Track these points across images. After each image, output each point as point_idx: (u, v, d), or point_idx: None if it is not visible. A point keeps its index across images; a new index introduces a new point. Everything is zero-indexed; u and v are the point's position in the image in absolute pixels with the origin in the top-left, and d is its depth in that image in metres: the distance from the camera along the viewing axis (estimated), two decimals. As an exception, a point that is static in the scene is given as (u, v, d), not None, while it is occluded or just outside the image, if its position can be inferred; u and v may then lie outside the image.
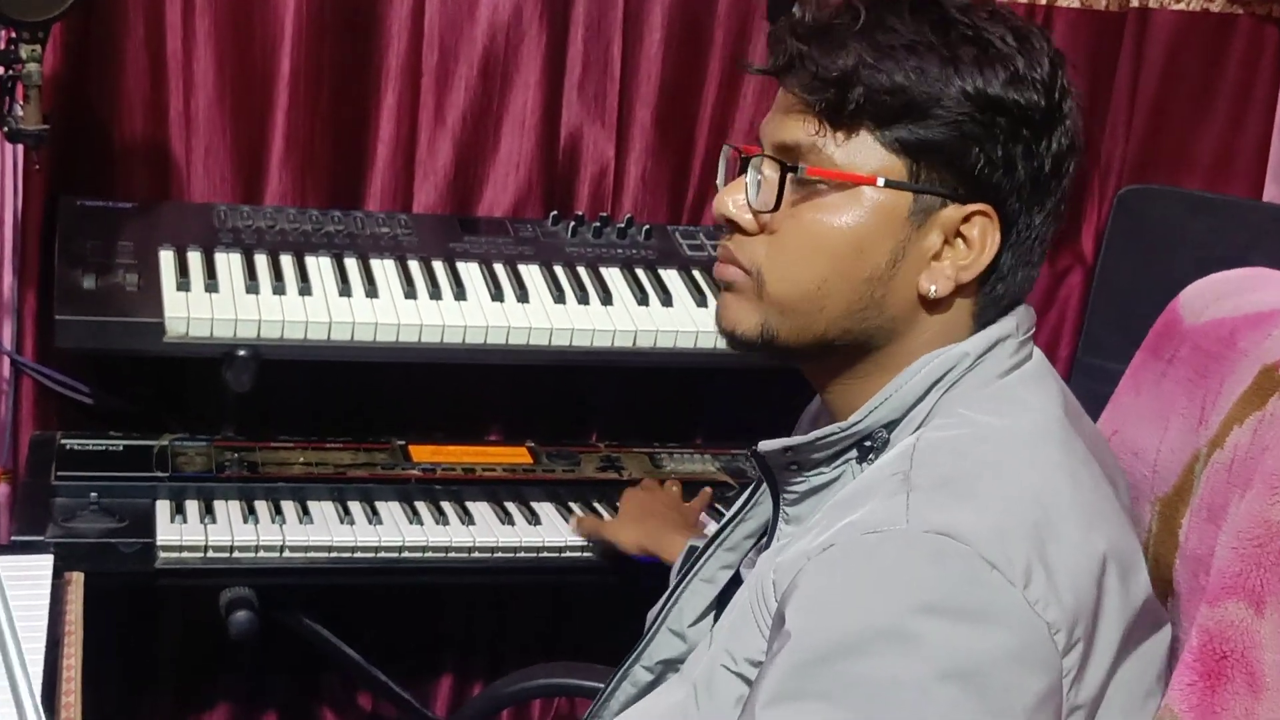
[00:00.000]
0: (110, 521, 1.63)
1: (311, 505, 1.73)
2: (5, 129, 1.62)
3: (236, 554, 1.64)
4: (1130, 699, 1.00)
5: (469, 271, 1.87)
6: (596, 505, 1.83)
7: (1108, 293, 2.22)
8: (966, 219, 1.02)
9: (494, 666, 2.16)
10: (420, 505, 1.77)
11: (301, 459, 1.82)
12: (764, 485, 1.18)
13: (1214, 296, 1.20)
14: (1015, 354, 1.05)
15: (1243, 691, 0.97)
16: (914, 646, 0.88)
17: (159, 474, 1.73)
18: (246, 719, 2.11)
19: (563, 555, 1.75)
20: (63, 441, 1.79)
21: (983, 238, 1.02)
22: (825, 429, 1.04)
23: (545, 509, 1.81)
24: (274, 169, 1.92)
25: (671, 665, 1.22)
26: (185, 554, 1.63)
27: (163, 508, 1.69)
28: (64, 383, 1.85)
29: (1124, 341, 2.15)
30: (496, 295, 1.83)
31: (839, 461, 1.05)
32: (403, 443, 1.89)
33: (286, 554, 1.66)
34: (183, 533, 1.64)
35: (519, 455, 1.92)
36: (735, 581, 1.20)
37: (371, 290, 1.79)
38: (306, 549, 1.67)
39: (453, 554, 1.71)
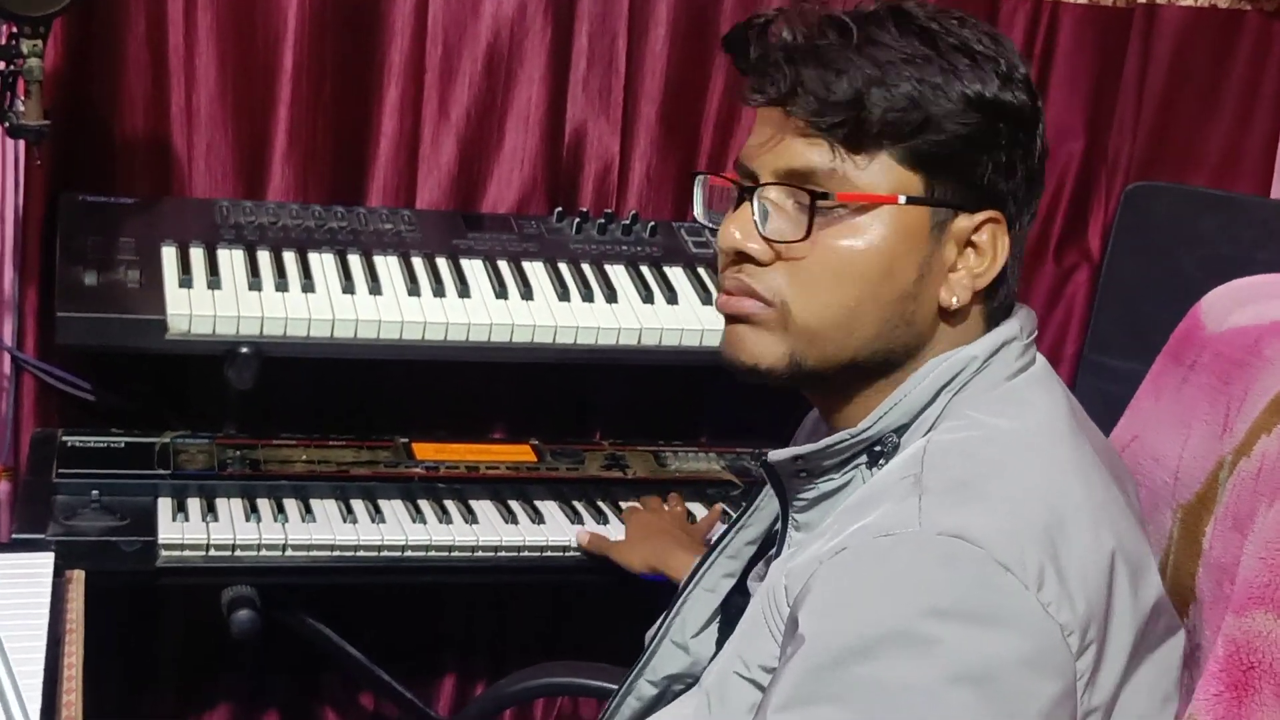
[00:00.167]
0: (111, 519, 1.62)
1: (314, 503, 1.73)
2: (6, 124, 1.61)
3: (238, 552, 1.64)
4: (1148, 704, 1.00)
5: (473, 268, 1.86)
6: (600, 504, 1.82)
7: (1114, 290, 2.22)
8: (977, 227, 1.03)
9: (497, 666, 2.15)
10: (423, 504, 1.76)
11: (304, 457, 1.81)
12: (765, 490, 1.18)
13: (1236, 303, 1.20)
14: (1021, 356, 1.05)
15: (1270, 703, 0.96)
16: (927, 650, 0.88)
17: (161, 472, 1.73)
18: (248, 718, 2.10)
19: (566, 555, 1.74)
20: (64, 439, 1.78)
21: (993, 244, 1.03)
22: (836, 436, 1.04)
23: (549, 508, 1.80)
24: (276, 165, 1.92)
25: (676, 678, 1.22)
26: (187, 552, 1.62)
27: (164, 506, 1.68)
28: (65, 380, 1.85)
29: (1131, 339, 2.15)
30: (500, 292, 1.82)
31: (849, 467, 1.04)
32: (406, 441, 1.89)
33: (289, 552, 1.65)
34: (184, 531, 1.63)
35: (523, 453, 1.92)
36: (737, 590, 1.20)
37: (375, 287, 1.78)
38: (309, 547, 1.66)
39: (456, 553, 1.71)
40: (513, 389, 2.06)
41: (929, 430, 1.01)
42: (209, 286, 1.72)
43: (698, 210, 1.13)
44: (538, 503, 1.81)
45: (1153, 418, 1.22)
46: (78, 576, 1.41)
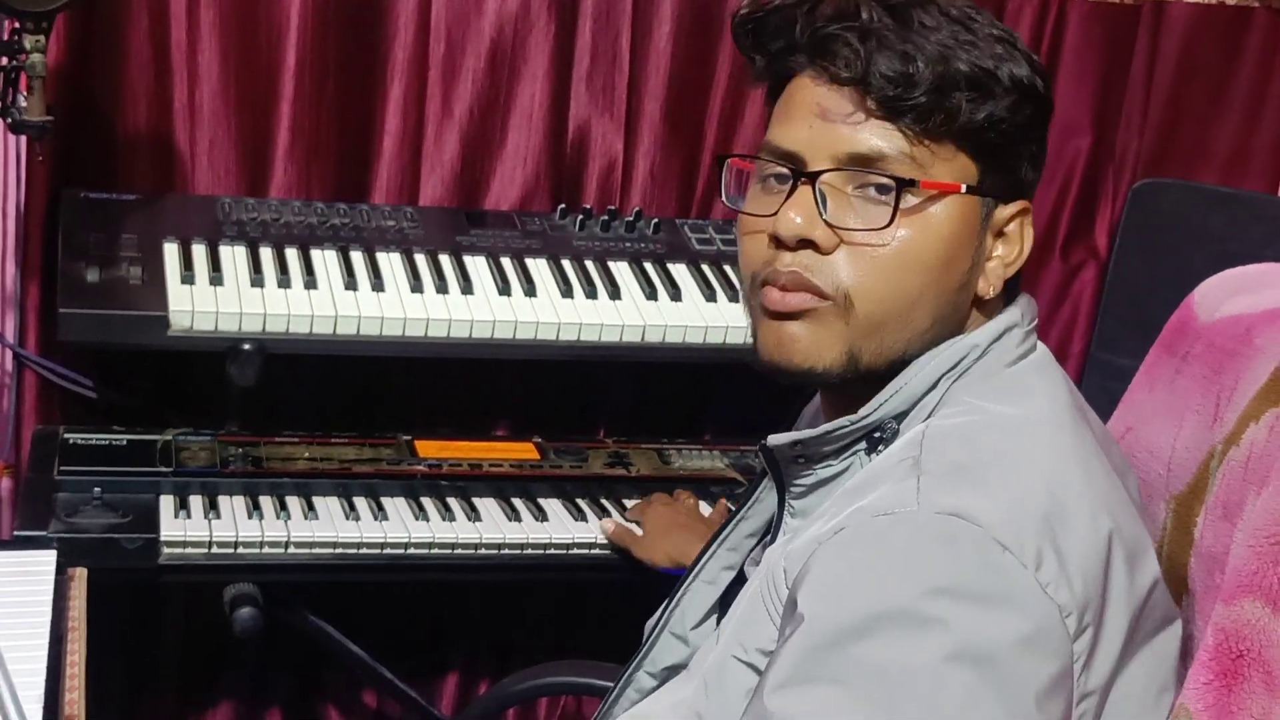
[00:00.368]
0: (113, 517, 1.62)
1: (316, 501, 1.72)
2: (9, 120, 1.61)
3: (241, 550, 1.63)
4: (1144, 694, 1.00)
5: (476, 265, 1.86)
6: (604, 502, 1.81)
7: (1121, 288, 2.21)
8: (1010, 218, 1.04)
9: (500, 664, 2.15)
10: (426, 501, 1.76)
11: (306, 454, 1.81)
12: (765, 482, 1.17)
13: (1228, 293, 1.20)
14: (1022, 344, 1.05)
15: (1259, 690, 0.96)
16: (925, 629, 0.88)
17: (163, 469, 1.72)
18: (250, 716, 2.10)
19: (570, 552, 1.73)
20: (66, 436, 1.78)
21: (1021, 233, 1.05)
22: (836, 422, 1.03)
23: (552, 505, 1.80)
24: (279, 161, 1.91)
25: (675, 671, 1.22)
26: (189, 550, 1.62)
27: (166, 503, 1.68)
28: (67, 376, 1.84)
29: (1138, 337, 2.13)
30: (503, 289, 1.81)
31: (847, 454, 1.04)
32: (409, 438, 1.88)
33: (291, 550, 1.65)
34: (186, 528, 1.63)
35: (526, 451, 1.91)
36: (737, 582, 1.20)
37: (377, 284, 1.77)
38: (311, 545, 1.65)
39: (459, 551, 1.70)
40: (516, 386, 2.05)
41: (928, 416, 1.01)
42: (211, 283, 1.72)
43: (726, 196, 1.09)
44: (541, 500, 1.80)
45: (1146, 409, 1.22)
46: (80, 574, 1.41)
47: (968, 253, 1.02)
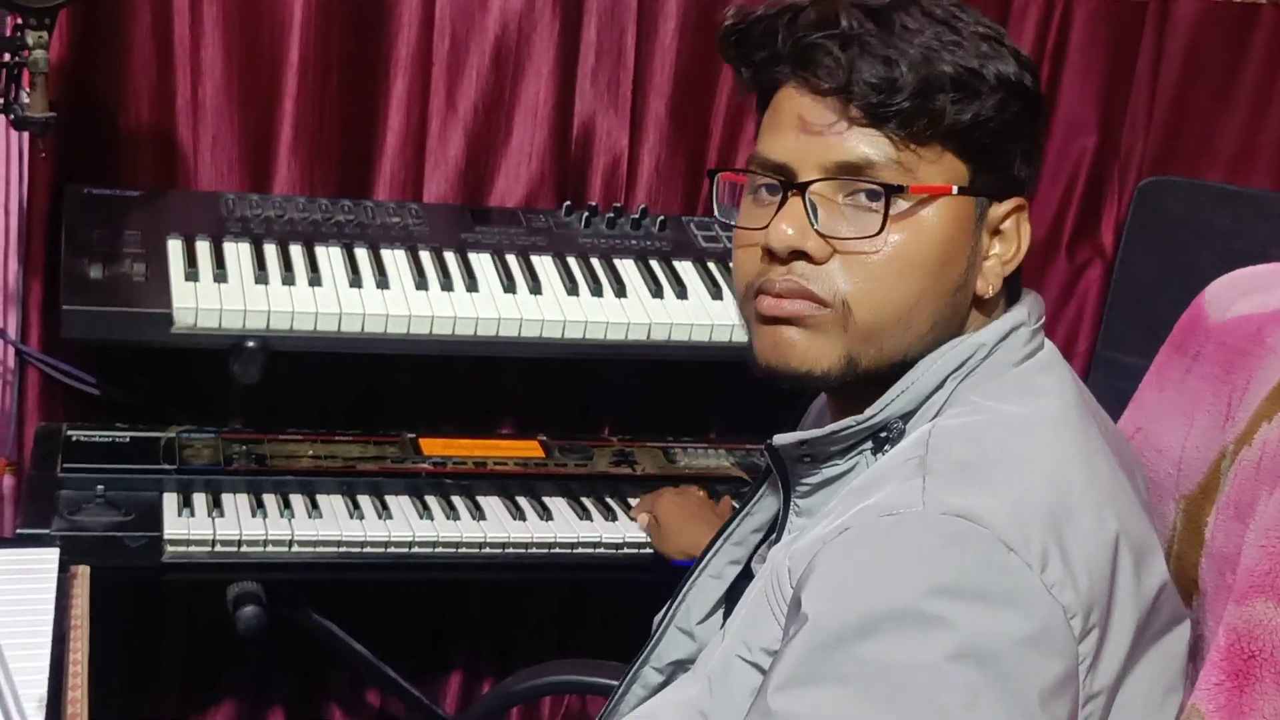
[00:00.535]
0: (116, 514, 1.62)
1: (320, 499, 1.72)
2: (11, 116, 1.60)
3: (244, 548, 1.63)
4: (1151, 695, 1.00)
5: (481, 262, 1.85)
6: (609, 500, 1.81)
7: (1127, 286, 2.20)
8: (1006, 215, 1.04)
9: (504, 663, 2.15)
10: (430, 499, 1.75)
11: (310, 452, 1.80)
12: (771, 477, 1.17)
13: (1239, 292, 1.19)
14: (1029, 343, 1.05)
15: (1271, 691, 0.96)
16: (929, 628, 0.87)
17: (166, 466, 1.72)
18: (253, 715, 2.09)
19: (574, 551, 1.73)
20: (68, 433, 1.77)
21: (1017, 231, 1.05)
22: (842, 422, 1.03)
23: (557, 504, 1.79)
24: (283, 157, 1.91)
25: (681, 665, 1.22)
26: (192, 548, 1.61)
27: (170, 501, 1.67)
28: (70, 373, 1.84)
29: (1144, 336, 2.13)
30: (509, 287, 1.81)
31: (853, 453, 1.04)
32: (413, 436, 1.88)
33: (295, 548, 1.64)
34: (190, 526, 1.62)
35: (531, 449, 1.90)
36: (743, 576, 1.19)
37: (382, 281, 1.77)
38: (315, 543, 1.65)
39: (463, 549, 1.70)
40: (521, 384, 2.05)
41: (935, 416, 1.01)
42: (215, 280, 1.71)
43: (716, 210, 1.11)
44: (546, 499, 1.79)
45: (1156, 409, 1.22)
46: (83, 572, 1.40)
47: (963, 253, 1.02)
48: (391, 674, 1.91)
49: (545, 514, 1.76)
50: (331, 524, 1.67)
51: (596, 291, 1.83)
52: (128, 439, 1.77)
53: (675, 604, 1.23)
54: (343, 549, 1.66)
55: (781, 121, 1.02)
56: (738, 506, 1.24)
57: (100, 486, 1.64)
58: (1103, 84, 2.18)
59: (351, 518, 1.69)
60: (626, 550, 1.73)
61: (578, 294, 1.82)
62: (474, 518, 1.73)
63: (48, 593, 1.33)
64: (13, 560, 1.39)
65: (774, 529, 1.14)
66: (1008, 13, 2.11)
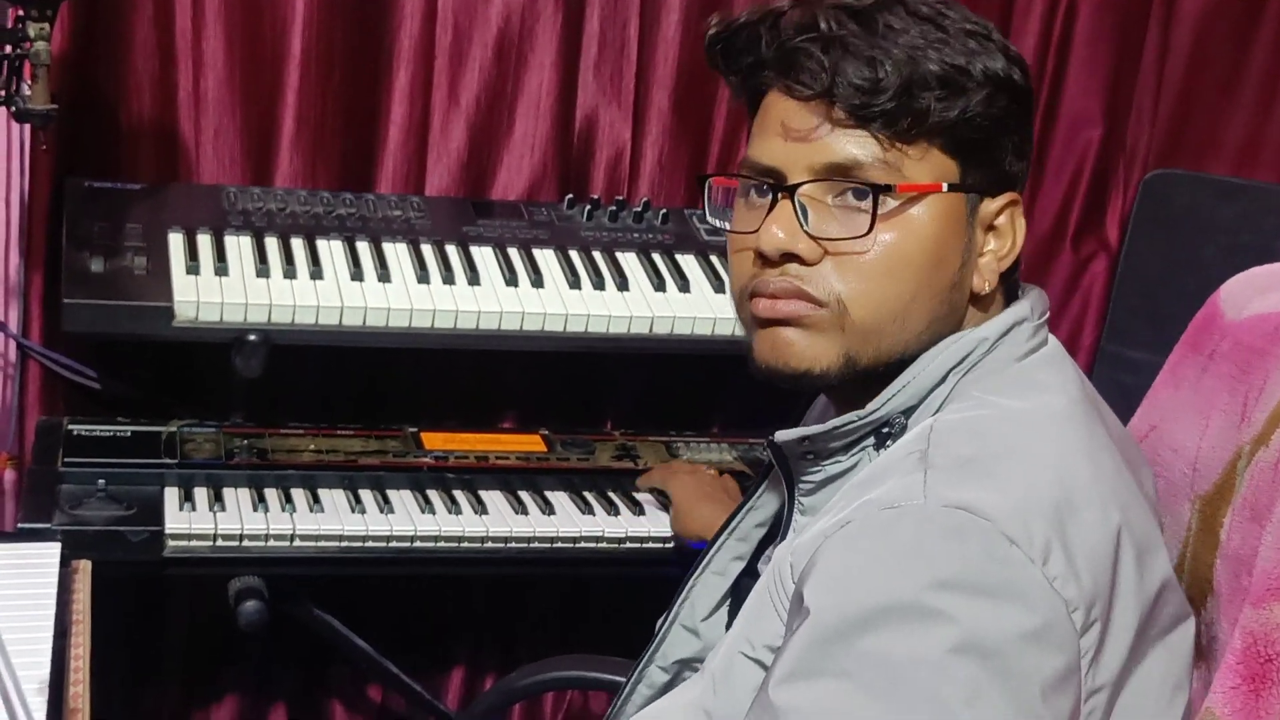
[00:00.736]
0: (118, 509, 1.61)
1: (322, 493, 1.71)
2: (12, 109, 1.59)
3: (246, 542, 1.62)
4: (1159, 691, 1.00)
5: (483, 255, 1.84)
6: (611, 495, 1.80)
7: (1133, 280, 2.20)
8: (999, 211, 1.04)
9: (506, 658, 2.14)
10: (433, 494, 1.75)
11: (312, 446, 1.80)
12: (773, 472, 1.17)
13: (1256, 291, 1.18)
14: (1032, 338, 1.05)
15: (1289, 696, 0.95)
16: (931, 621, 0.87)
17: (167, 461, 1.72)
18: (254, 711, 2.09)
19: (577, 546, 1.72)
20: (69, 427, 1.77)
21: (1012, 226, 1.05)
22: (844, 417, 1.03)
23: (559, 498, 1.78)
24: (284, 150, 1.90)
25: (687, 664, 1.22)
26: (194, 542, 1.61)
27: (171, 495, 1.67)
28: (71, 367, 1.83)
29: (1149, 330, 2.13)
30: (511, 280, 1.80)
31: (856, 449, 1.04)
32: (415, 430, 1.87)
33: (296, 543, 1.64)
34: (191, 520, 1.62)
35: (533, 443, 1.90)
36: (747, 573, 1.19)
37: (384, 274, 1.76)
38: (317, 538, 1.64)
39: (465, 544, 1.69)
40: (523, 378, 2.04)
41: (937, 411, 1.01)
42: (216, 273, 1.70)
43: (708, 214, 1.12)
44: (548, 493, 1.79)
45: (1171, 408, 1.21)
46: (84, 566, 1.40)
47: (957, 250, 1.02)
48: (393, 669, 1.91)
49: (547, 508, 1.75)
50: (333, 518, 1.66)
51: (599, 285, 1.82)
52: (129, 433, 1.77)
53: (679, 602, 1.23)
54: (344, 543, 1.65)
55: (769, 126, 1.03)
56: (741, 500, 1.24)
57: (101, 481, 1.63)
58: (1108, 77, 2.17)
59: (353, 512, 1.68)
60: (629, 545, 1.73)
61: (580, 287, 1.82)
62: (476, 512, 1.72)
63: (49, 587, 1.33)
64: (14, 555, 1.39)
65: (778, 527, 1.14)
66: (1012, 7, 2.10)
